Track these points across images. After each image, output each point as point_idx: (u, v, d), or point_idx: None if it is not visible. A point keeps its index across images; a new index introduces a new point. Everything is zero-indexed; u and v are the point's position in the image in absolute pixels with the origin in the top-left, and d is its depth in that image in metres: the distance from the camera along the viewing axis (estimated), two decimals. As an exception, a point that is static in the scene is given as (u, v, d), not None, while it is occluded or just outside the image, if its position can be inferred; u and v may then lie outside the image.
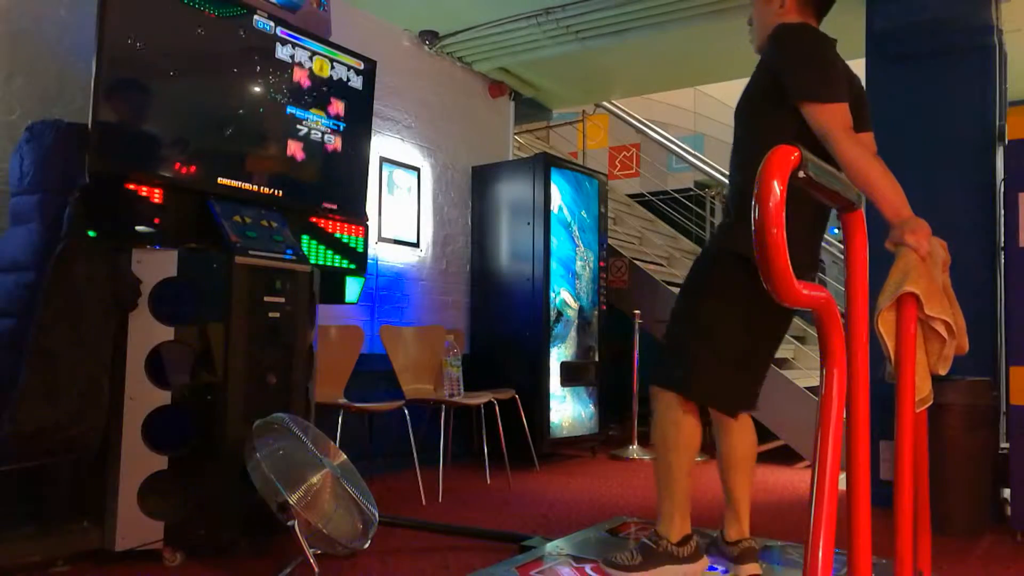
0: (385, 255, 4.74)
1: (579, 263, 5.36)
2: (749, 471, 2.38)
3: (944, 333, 1.81)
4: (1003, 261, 3.56)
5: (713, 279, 2.23)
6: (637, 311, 5.74)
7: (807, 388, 5.11)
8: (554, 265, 5.10)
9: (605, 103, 7.43)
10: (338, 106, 3.59)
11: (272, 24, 3.28)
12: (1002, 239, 3.62)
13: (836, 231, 7.27)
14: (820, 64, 2.08)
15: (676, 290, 5.93)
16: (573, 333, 5.28)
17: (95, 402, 2.54)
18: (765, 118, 2.16)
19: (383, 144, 4.72)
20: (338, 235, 3.62)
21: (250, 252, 2.90)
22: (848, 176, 1.80)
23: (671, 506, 2.23)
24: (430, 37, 5.05)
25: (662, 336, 2.36)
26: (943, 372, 1.86)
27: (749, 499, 2.38)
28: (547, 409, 4.99)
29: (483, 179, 5.41)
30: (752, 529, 2.43)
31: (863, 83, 2.49)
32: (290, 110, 3.37)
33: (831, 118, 1.98)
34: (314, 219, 3.50)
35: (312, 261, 3.34)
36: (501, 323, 5.20)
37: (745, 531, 2.36)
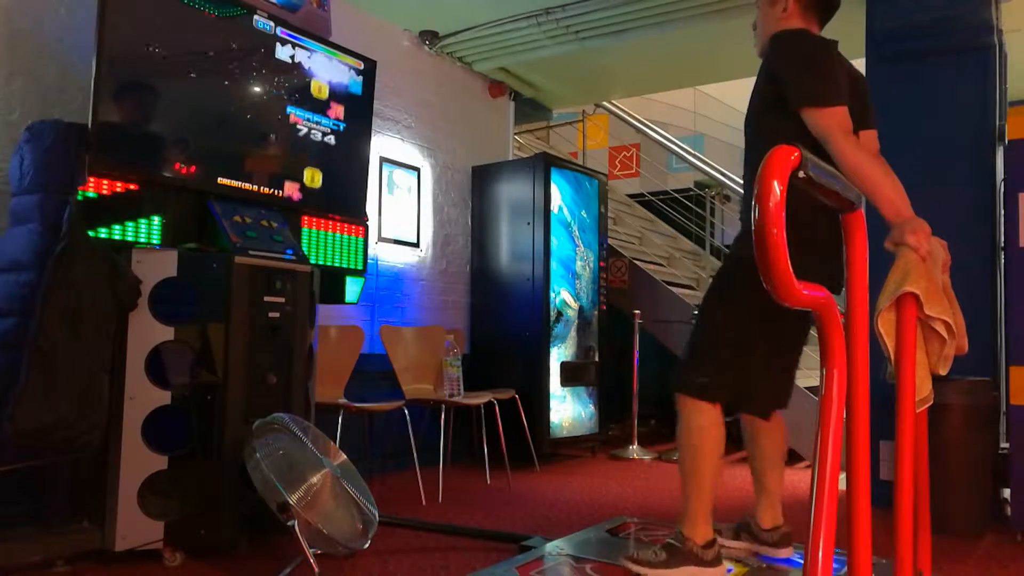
0: (385, 255, 4.74)
1: (579, 263, 5.36)
2: (783, 465, 2.53)
3: (944, 333, 1.81)
4: (1003, 261, 3.56)
5: (730, 286, 2.29)
6: (637, 311, 5.74)
7: (807, 388, 5.10)
8: (554, 265, 5.10)
9: (605, 103, 7.42)
10: (338, 106, 3.59)
11: (272, 24, 3.28)
12: (1002, 239, 3.62)
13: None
14: (817, 69, 2.11)
15: (676, 290, 6.00)
16: (573, 333, 5.27)
17: (95, 402, 2.54)
18: (771, 124, 2.20)
19: (383, 144, 4.72)
20: (338, 235, 3.62)
21: (250, 252, 2.90)
22: (848, 178, 1.81)
23: (696, 509, 2.24)
24: (430, 37, 5.06)
25: (686, 342, 2.41)
26: (943, 372, 1.86)
27: (782, 489, 2.52)
28: (547, 409, 4.98)
29: (483, 179, 5.41)
30: (752, 529, 2.47)
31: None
32: (290, 110, 3.37)
33: (830, 122, 2.02)
34: (314, 219, 3.49)
35: (312, 261, 3.34)
36: (501, 323, 5.20)
37: (779, 518, 2.48)
